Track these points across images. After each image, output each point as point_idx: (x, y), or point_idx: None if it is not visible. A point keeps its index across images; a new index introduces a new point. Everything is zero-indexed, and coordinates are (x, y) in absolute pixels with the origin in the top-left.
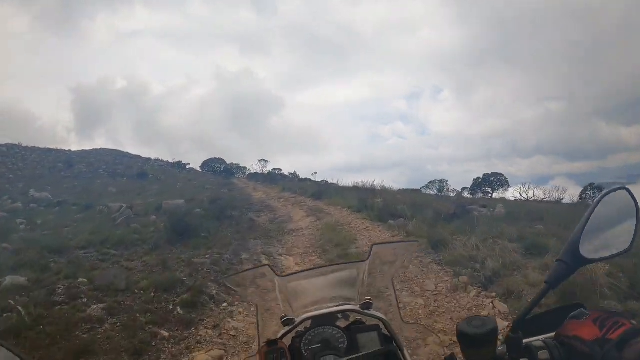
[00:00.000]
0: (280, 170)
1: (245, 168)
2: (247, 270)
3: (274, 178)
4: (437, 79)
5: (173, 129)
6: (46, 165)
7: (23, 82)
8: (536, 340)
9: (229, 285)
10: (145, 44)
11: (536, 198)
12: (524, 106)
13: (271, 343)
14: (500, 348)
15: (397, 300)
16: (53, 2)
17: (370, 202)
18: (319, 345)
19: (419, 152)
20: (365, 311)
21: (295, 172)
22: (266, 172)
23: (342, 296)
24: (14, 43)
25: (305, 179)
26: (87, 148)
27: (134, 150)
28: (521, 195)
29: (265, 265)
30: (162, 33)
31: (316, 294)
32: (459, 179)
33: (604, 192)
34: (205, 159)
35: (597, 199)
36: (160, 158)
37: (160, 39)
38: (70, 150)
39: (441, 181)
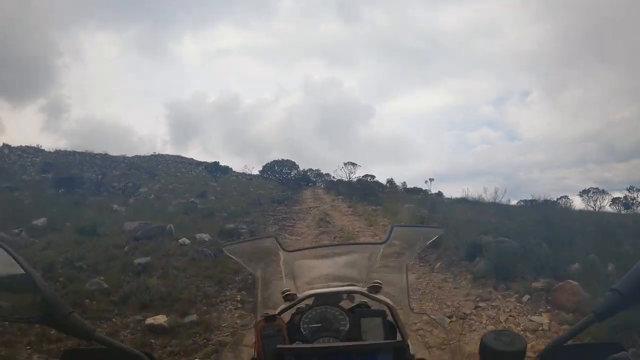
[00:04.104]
0: (374, 177)
1: (327, 175)
2: (249, 240)
3: (368, 190)
4: (524, 81)
5: (263, 138)
6: (20, 167)
7: (123, 101)
8: None
9: (227, 254)
10: (234, 61)
11: None
12: (619, 105)
13: (269, 318)
14: None
15: (407, 288)
16: (141, 28)
17: None
18: (319, 324)
19: (508, 159)
20: (372, 294)
21: (392, 179)
22: (354, 179)
23: (350, 277)
24: (112, 67)
25: (415, 190)
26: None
27: (226, 160)
28: None
29: (270, 236)
30: (249, 50)
31: (323, 271)
32: (553, 187)
33: None
34: (268, 162)
35: None
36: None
37: (248, 55)
38: (106, 154)
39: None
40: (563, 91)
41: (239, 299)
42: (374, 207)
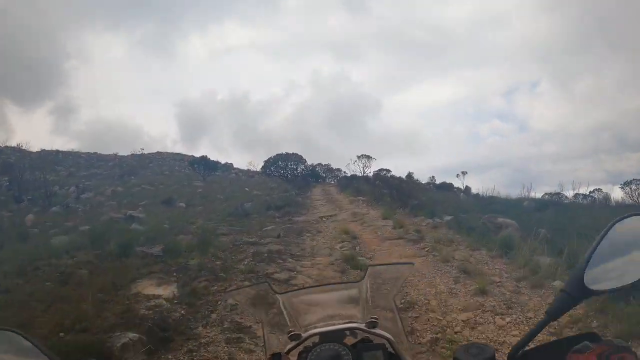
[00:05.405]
0: (389, 171)
1: (338, 170)
2: (245, 287)
3: (399, 188)
4: (535, 72)
5: (271, 134)
6: None
7: (132, 101)
8: None
9: (229, 301)
10: (241, 57)
11: None
12: (631, 95)
13: (276, 356)
14: None
15: (400, 321)
16: (148, 28)
17: None
18: None
19: (520, 151)
20: (371, 330)
21: (411, 174)
22: (370, 174)
23: (348, 314)
24: (120, 67)
25: (444, 185)
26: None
27: (235, 157)
28: None
29: (264, 282)
30: (256, 47)
31: (322, 310)
32: (565, 178)
33: (616, 219)
34: (271, 156)
35: (607, 226)
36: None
37: (255, 51)
38: (95, 153)
39: None
40: (574, 81)
41: None
42: (432, 221)
